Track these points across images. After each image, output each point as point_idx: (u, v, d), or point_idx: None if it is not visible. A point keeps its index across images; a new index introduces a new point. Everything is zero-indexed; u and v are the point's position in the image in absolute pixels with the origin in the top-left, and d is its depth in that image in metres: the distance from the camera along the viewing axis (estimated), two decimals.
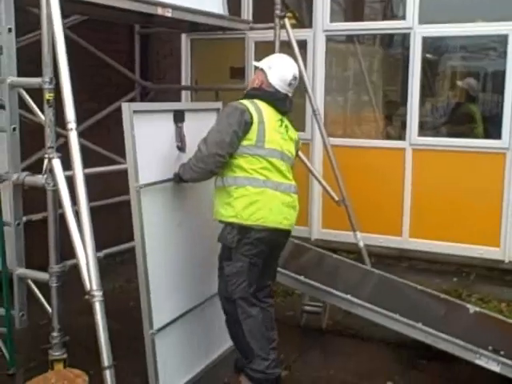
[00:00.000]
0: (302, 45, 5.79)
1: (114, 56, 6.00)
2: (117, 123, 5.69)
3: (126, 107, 3.25)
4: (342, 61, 6.96)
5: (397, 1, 6.69)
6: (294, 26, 5.43)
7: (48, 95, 3.32)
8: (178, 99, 6.54)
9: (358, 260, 5.01)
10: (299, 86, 5.33)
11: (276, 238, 3.34)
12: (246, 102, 3.33)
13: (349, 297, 3.99)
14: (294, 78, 3.44)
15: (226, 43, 6.40)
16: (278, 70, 3.42)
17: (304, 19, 6.68)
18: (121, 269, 5.24)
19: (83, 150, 3.18)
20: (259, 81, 3.46)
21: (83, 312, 3.78)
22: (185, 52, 6.68)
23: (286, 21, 5.24)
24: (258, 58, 6.29)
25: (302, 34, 5.99)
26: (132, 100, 6.22)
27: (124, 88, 6.29)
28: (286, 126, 3.44)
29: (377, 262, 5.35)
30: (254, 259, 3.27)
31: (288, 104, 3.46)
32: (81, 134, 3.25)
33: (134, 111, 3.27)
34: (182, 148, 3.52)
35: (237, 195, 3.24)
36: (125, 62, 6.27)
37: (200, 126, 3.63)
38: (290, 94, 3.48)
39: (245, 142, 3.24)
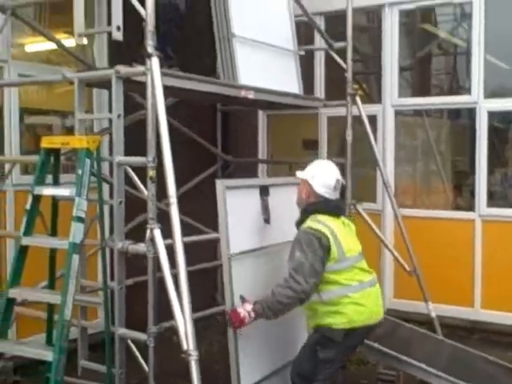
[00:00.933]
0: (372, 119, 6.02)
1: (198, 132, 6.37)
2: (201, 194, 6.04)
3: (220, 184, 3.60)
4: (410, 132, 7.17)
5: (462, 74, 6.93)
6: (362, 98, 5.66)
7: (151, 172, 3.71)
8: (255, 171, 6.91)
9: (430, 330, 5.06)
10: (371, 159, 5.60)
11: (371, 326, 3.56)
12: (314, 224, 3.42)
13: (424, 366, 4.06)
14: (338, 181, 3.59)
15: (299, 117, 6.74)
16: (321, 177, 3.56)
17: (373, 94, 7.01)
18: (203, 333, 5.49)
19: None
20: (307, 191, 3.59)
21: (173, 374, 4.03)
22: (261, 127, 7.12)
23: (357, 98, 5.54)
24: (330, 132, 6.63)
25: (372, 108, 6.29)
26: (214, 173, 6.57)
27: (207, 162, 6.61)
28: (348, 225, 3.66)
29: (448, 333, 5.35)
30: (348, 348, 3.51)
31: (343, 207, 3.71)
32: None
33: (227, 187, 3.62)
34: (267, 220, 3.84)
35: (344, 303, 3.38)
36: (208, 137, 6.61)
37: (282, 199, 4.00)
38: (338, 197, 3.64)
39: (330, 262, 3.41)
